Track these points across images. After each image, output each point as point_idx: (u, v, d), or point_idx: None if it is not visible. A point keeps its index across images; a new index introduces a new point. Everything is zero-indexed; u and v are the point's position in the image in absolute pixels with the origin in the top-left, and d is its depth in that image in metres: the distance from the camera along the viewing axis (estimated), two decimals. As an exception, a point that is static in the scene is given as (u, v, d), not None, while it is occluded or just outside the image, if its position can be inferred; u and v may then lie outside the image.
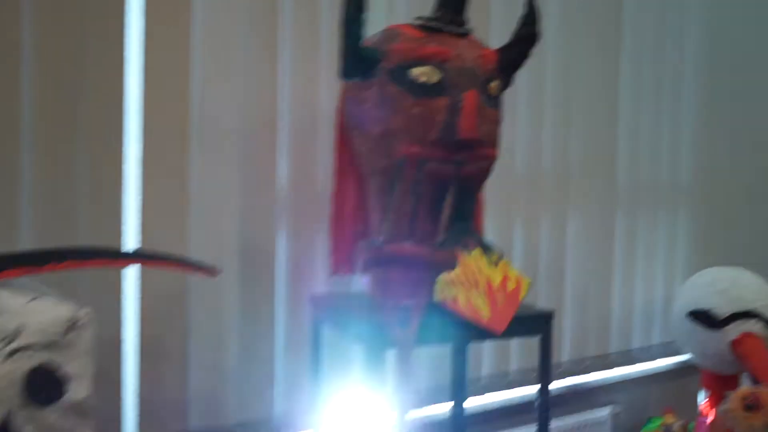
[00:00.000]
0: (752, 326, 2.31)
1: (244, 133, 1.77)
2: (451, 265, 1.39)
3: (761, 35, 3.06)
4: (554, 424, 2.46)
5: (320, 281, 1.88)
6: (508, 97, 2.25)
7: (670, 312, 2.62)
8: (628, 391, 2.80)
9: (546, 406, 1.56)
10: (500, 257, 1.59)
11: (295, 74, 1.84)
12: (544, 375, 1.55)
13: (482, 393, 2.22)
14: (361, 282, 1.74)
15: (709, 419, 2.45)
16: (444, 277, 1.49)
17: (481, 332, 1.46)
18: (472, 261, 1.53)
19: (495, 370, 2.30)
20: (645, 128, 2.67)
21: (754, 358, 2.24)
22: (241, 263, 1.78)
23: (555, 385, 2.53)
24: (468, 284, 1.50)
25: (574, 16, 2.44)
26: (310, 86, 1.86)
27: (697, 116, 2.83)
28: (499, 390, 2.26)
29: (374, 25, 1.92)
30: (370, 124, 1.53)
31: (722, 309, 2.33)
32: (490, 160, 1.59)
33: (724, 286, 2.38)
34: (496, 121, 1.62)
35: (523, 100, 2.32)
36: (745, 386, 2.12)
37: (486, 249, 1.59)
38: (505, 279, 1.54)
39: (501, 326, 1.47)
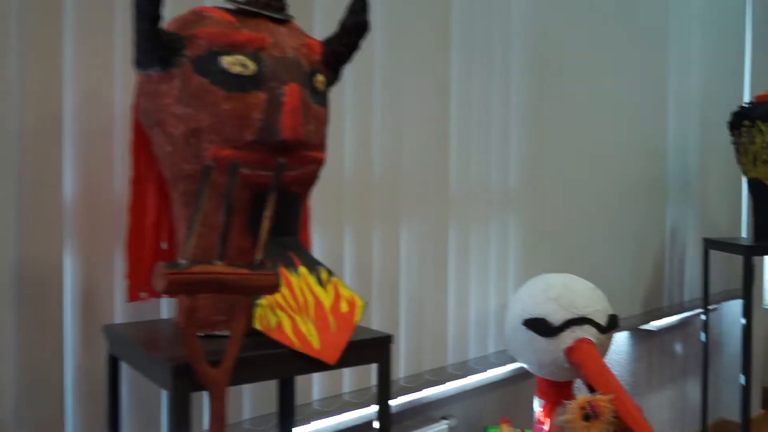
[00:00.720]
0: (586, 332, 2.28)
1: (19, 134, 1.45)
2: (272, 287, 1.17)
3: (588, 40, 3.10)
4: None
5: (119, 309, 1.59)
6: (334, 95, 2.08)
7: (503, 321, 2.55)
8: (465, 402, 2.71)
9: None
10: (330, 275, 1.39)
11: (81, 63, 1.54)
12: (383, 403, 1.37)
13: (313, 419, 2.02)
14: (171, 307, 1.48)
15: (546, 428, 2.40)
16: (265, 301, 1.27)
17: (310, 363, 1.25)
18: (297, 281, 1.32)
19: (327, 394, 2.11)
20: (475, 135, 2.59)
21: (589, 364, 2.20)
22: (18, 292, 1.45)
23: (391, 404, 2.38)
24: (293, 308, 1.29)
25: (401, 12, 2.30)
26: (101, 78, 1.56)
27: (524, 123, 2.79)
28: (332, 415, 2.07)
29: (176, 6, 1.67)
30: (171, 122, 1.28)
31: (556, 316, 2.28)
32: (317, 164, 1.39)
33: (556, 292, 2.33)
34: (322, 120, 1.42)
35: (349, 100, 2.15)
36: (583, 396, 2.07)
37: (314, 266, 1.38)
38: (336, 300, 1.35)
39: (334, 355, 1.27)
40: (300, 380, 2.00)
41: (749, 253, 3.18)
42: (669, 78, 3.68)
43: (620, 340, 3.62)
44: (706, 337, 3.55)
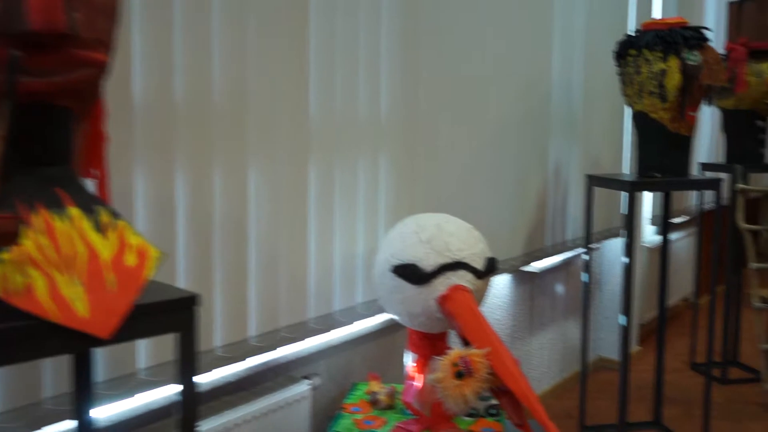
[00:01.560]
0: (461, 278, 2.03)
1: None
2: (7, 235, 0.82)
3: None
4: (246, 409, 2.03)
5: None
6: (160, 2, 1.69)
7: (372, 268, 2.28)
8: (330, 359, 2.45)
9: (191, 417, 1.07)
10: (115, 218, 1.05)
11: None
12: (187, 383, 1.05)
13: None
14: None
15: (418, 384, 2.16)
16: (7, 255, 0.92)
17: (74, 338, 0.92)
18: (64, 227, 0.98)
19: (120, 372, 1.73)
20: (340, 62, 2.26)
21: (464, 315, 1.96)
22: None
23: (243, 366, 2.08)
24: (55, 264, 0.94)
25: None
26: None
27: (397, 51, 2.48)
28: (127, 395, 1.70)
29: None
30: None
31: (428, 261, 2.02)
32: (94, 68, 1.03)
33: (428, 234, 2.06)
34: (104, 10, 1.05)
35: (179, 7, 1.77)
36: (455, 350, 1.82)
37: (91, 207, 1.03)
38: (120, 251, 1.01)
39: (108, 326, 0.94)
40: (112, 350, 1.64)
41: (633, 189, 3.03)
42: (553, 8, 3.45)
43: (501, 282, 3.44)
44: (588, 277, 3.42)
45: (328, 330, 2.27)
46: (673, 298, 5.51)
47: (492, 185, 3.04)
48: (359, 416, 2.23)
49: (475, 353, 1.80)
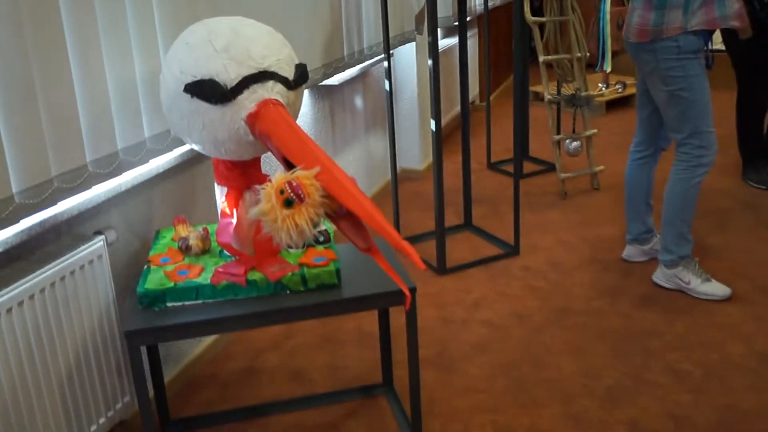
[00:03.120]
0: (270, 91, 1.69)
1: None
2: None
3: None
4: (27, 283, 1.63)
5: None
6: None
7: (158, 91, 1.86)
8: (124, 207, 2.07)
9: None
10: None
11: None
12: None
13: None
14: None
15: (233, 221, 1.86)
16: None
17: None
18: None
19: None
20: None
21: (281, 133, 1.64)
22: None
23: (13, 230, 1.65)
24: None
25: None
26: None
27: None
28: None
29: None
30: None
31: (228, 73, 1.66)
32: None
33: (224, 41, 1.68)
34: None
35: None
36: (279, 175, 1.53)
37: None
38: None
39: None
40: None
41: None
42: None
43: (301, 101, 3.14)
44: (391, 85, 3.20)
45: (114, 174, 1.87)
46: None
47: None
48: (170, 267, 1.90)
49: (303, 175, 1.51)
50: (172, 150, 2.09)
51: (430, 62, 2.91)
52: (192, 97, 1.66)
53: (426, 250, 3.35)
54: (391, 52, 4.01)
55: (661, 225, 2.89)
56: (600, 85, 6.05)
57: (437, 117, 2.94)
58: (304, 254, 1.95)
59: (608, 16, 5.89)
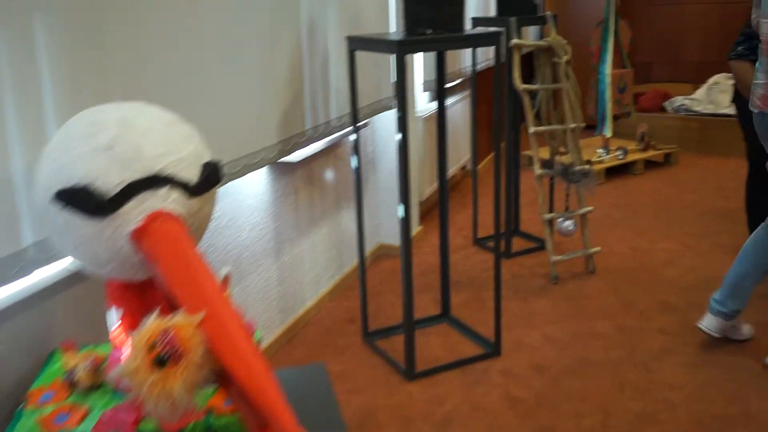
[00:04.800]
0: (163, 200, 1.34)
1: None
2: None
3: None
4: None
5: None
6: None
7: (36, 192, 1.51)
8: (11, 322, 1.70)
9: None
10: None
11: None
12: None
13: None
14: None
15: (126, 351, 1.49)
16: None
17: None
18: None
19: None
20: None
21: (167, 258, 1.28)
22: None
23: None
24: None
25: None
26: None
27: None
28: None
29: None
30: None
31: (110, 178, 1.30)
32: None
33: (109, 136, 1.33)
34: None
35: None
36: (152, 321, 1.16)
37: None
38: None
39: None
40: None
41: (402, 50, 2.45)
42: None
43: (256, 179, 2.79)
44: (358, 161, 2.86)
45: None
46: (451, 168, 5.21)
47: (226, 55, 2.31)
48: (49, 409, 1.52)
49: (182, 324, 1.15)
50: (56, 262, 1.73)
51: (399, 136, 2.56)
52: (65, 206, 1.31)
53: (396, 346, 2.97)
54: (366, 121, 3.69)
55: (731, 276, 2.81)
56: (599, 150, 5.72)
57: (404, 200, 2.59)
58: (214, 395, 1.57)
59: (608, 79, 5.61)
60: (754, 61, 3.33)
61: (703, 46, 7.36)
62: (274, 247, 2.97)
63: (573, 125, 3.69)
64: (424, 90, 4.38)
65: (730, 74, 6.68)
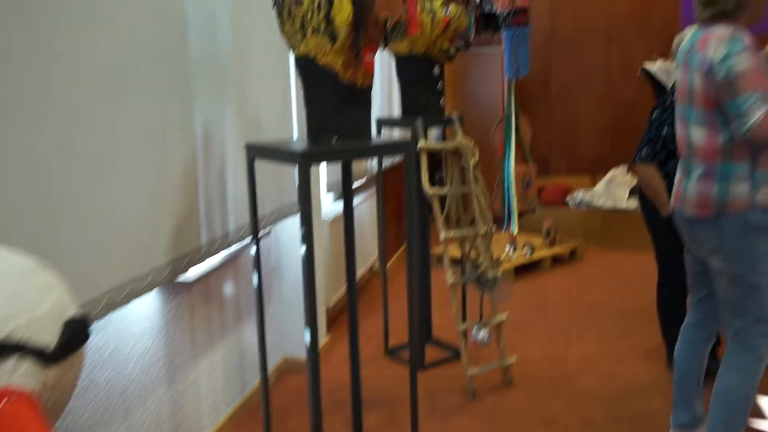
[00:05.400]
0: (9, 375, 1.06)
1: None
2: None
3: None
4: None
5: None
6: None
7: None
8: None
9: None
10: None
11: None
12: None
13: None
14: None
15: None
16: None
17: None
18: None
19: None
20: None
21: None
22: None
23: None
24: None
25: None
26: None
27: None
28: None
29: None
30: None
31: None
32: None
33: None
34: None
35: None
36: None
37: None
38: None
39: None
40: None
41: (305, 162, 2.25)
42: None
43: (142, 301, 2.49)
44: (259, 278, 2.61)
45: None
46: (360, 269, 5.00)
47: (105, 163, 2.05)
48: None
49: None
50: None
51: (302, 250, 2.33)
52: None
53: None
54: (268, 229, 3.46)
55: (707, 429, 2.51)
56: (507, 247, 5.67)
57: (311, 321, 2.34)
58: None
59: (513, 175, 5.62)
60: (658, 165, 3.33)
61: (597, 139, 7.61)
62: (166, 375, 2.64)
63: (484, 229, 3.57)
64: (329, 191, 4.20)
65: (624, 168, 6.93)
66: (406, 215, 2.71)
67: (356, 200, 4.85)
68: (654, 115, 3.37)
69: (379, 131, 3.87)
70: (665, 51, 6.84)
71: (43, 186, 1.78)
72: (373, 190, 5.27)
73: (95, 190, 1.99)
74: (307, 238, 2.32)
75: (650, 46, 7.41)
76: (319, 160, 2.34)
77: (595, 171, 7.57)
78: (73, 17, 1.89)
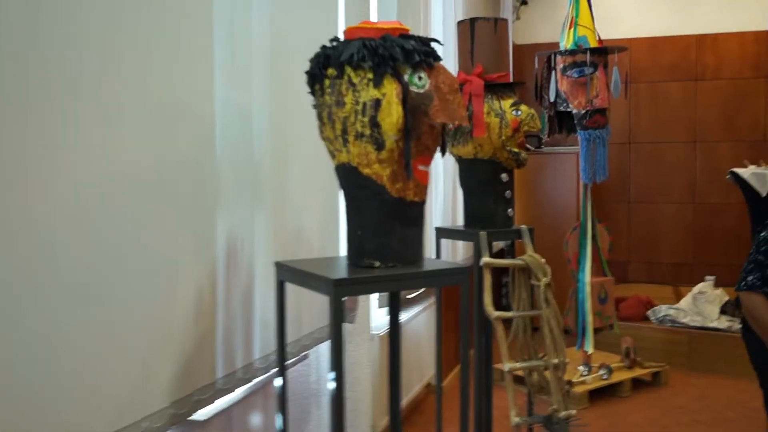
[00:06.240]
0: None
1: None
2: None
3: None
4: None
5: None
6: None
7: None
8: None
9: None
10: None
11: None
12: None
13: None
14: None
15: None
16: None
17: None
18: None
19: None
20: None
21: None
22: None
23: None
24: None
25: None
26: None
27: None
28: None
29: None
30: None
31: None
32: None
33: None
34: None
35: None
36: None
37: None
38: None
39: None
40: None
41: (338, 293, 1.85)
42: (212, 4, 2.22)
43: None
44: (284, 420, 2.19)
45: None
46: (416, 386, 4.53)
47: (108, 286, 1.70)
48: None
49: None
50: None
51: (333, 384, 1.90)
52: None
53: None
54: (304, 353, 3.04)
55: None
56: (580, 368, 5.09)
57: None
58: None
59: (588, 288, 5.09)
60: (767, 294, 2.82)
61: (680, 246, 7.10)
62: None
63: (556, 360, 3.07)
64: (380, 306, 3.78)
65: (713, 281, 6.31)
66: (461, 346, 2.29)
67: (413, 310, 4.41)
68: (763, 235, 2.88)
69: (437, 243, 3.45)
70: (753, 155, 6.33)
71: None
72: (432, 299, 4.82)
73: (90, 313, 1.63)
74: (338, 380, 1.89)
75: (736, 149, 6.91)
76: (355, 292, 1.95)
77: (678, 280, 6.99)
78: (81, 151, 1.57)
